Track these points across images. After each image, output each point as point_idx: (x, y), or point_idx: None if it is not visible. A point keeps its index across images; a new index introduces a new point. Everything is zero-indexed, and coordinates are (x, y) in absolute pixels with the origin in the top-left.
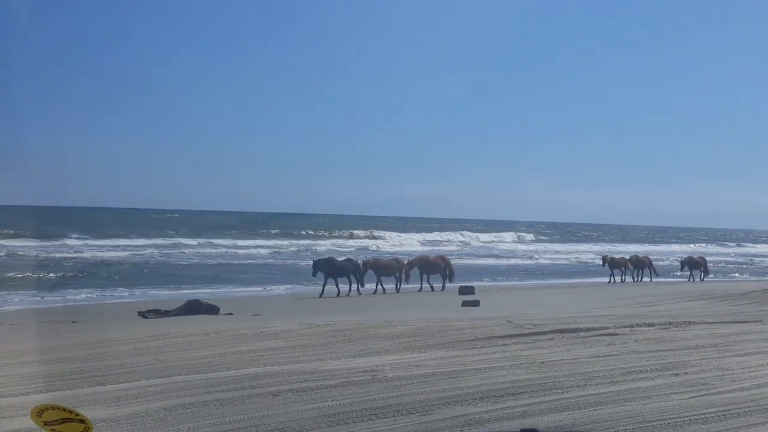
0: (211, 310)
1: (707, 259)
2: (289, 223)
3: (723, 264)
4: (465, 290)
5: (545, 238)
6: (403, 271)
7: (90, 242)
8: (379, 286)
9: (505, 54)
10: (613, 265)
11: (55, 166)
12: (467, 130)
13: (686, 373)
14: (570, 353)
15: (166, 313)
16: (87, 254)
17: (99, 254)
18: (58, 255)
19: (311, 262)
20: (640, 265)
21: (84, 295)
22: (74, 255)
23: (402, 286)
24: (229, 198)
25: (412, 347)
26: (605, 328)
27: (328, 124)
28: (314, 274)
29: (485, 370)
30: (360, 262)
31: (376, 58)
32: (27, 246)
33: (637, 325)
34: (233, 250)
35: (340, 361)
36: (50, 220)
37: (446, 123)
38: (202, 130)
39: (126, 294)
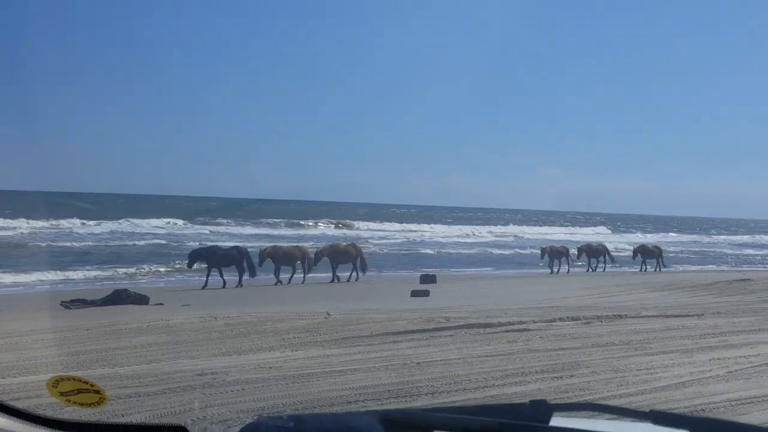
0: (139, 299)
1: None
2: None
3: (713, 253)
4: (426, 279)
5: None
6: (306, 260)
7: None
8: (285, 276)
9: (515, 53)
10: (553, 254)
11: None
12: (479, 124)
13: (572, 376)
14: (461, 352)
15: (91, 303)
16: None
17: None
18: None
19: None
20: (594, 254)
21: (37, 285)
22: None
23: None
24: (243, 185)
25: (291, 344)
26: (522, 322)
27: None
28: (190, 265)
29: (345, 373)
30: (258, 250)
31: (396, 52)
32: None
33: (560, 319)
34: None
35: (196, 360)
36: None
37: (460, 118)
38: (214, 120)
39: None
